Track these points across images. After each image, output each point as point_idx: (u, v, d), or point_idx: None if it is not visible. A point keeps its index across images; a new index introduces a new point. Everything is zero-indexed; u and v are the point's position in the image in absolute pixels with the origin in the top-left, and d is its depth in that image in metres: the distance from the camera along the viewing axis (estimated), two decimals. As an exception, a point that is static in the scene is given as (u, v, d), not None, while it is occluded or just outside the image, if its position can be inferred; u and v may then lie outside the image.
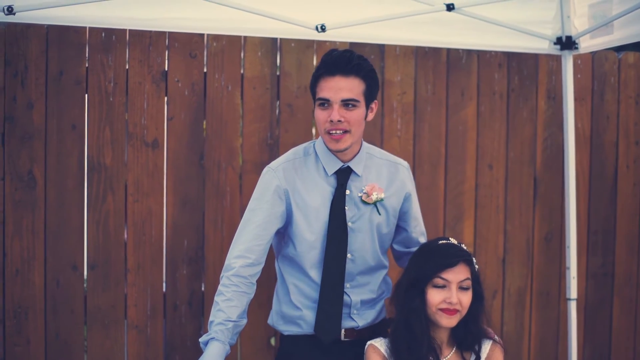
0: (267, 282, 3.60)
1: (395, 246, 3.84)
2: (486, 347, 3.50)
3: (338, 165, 3.55)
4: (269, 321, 3.75)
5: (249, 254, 3.46)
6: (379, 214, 3.61)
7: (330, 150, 3.53)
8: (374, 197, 3.57)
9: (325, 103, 3.43)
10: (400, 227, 3.79)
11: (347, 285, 3.60)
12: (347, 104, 3.42)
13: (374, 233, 3.63)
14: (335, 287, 3.56)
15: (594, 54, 5.07)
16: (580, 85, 5.04)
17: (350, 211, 3.56)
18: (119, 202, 4.18)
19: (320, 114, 3.45)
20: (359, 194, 3.57)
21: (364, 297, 3.65)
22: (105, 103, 4.13)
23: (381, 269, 3.71)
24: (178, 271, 4.29)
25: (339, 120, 3.41)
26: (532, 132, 4.97)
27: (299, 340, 3.63)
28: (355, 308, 3.62)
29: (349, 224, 3.56)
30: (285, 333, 3.66)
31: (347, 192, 3.56)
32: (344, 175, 3.56)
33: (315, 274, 3.57)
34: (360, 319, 3.64)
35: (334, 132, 3.43)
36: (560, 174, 4.99)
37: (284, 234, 3.60)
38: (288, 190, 3.52)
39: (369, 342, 3.45)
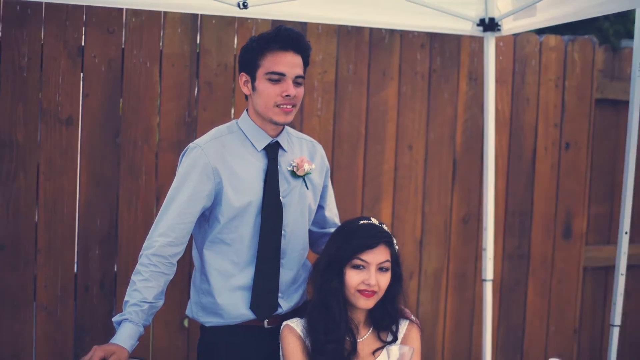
0: (182, 261, 3.69)
1: (311, 227, 3.94)
2: (403, 327, 3.63)
3: (267, 140, 3.66)
4: (188, 312, 3.82)
5: (170, 233, 3.53)
6: (307, 188, 3.75)
7: (264, 126, 3.65)
8: (305, 168, 3.71)
9: (279, 78, 3.55)
10: (319, 205, 3.92)
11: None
12: (298, 81, 3.60)
13: (305, 208, 3.76)
14: (271, 263, 3.67)
15: (516, 36, 5.29)
16: (502, 68, 5.26)
17: (281, 186, 3.68)
18: (31, 181, 4.22)
19: (271, 88, 3.56)
20: (289, 168, 3.70)
21: (291, 277, 3.76)
22: (18, 79, 4.15)
23: (306, 249, 3.83)
24: (90, 251, 4.36)
25: (294, 96, 3.57)
26: (453, 113, 5.17)
27: (221, 331, 3.71)
28: (281, 290, 3.71)
29: (281, 198, 3.67)
30: (207, 325, 3.73)
31: (278, 166, 3.68)
32: (273, 150, 3.68)
33: (247, 253, 3.65)
34: (285, 302, 3.73)
35: (285, 105, 3.57)
36: (479, 156, 5.21)
37: (209, 217, 3.66)
38: (217, 168, 3.58)
39: (285, 322, 3.53)
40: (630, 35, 10.77)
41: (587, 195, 5.62)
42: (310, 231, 3.93)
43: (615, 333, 4.37)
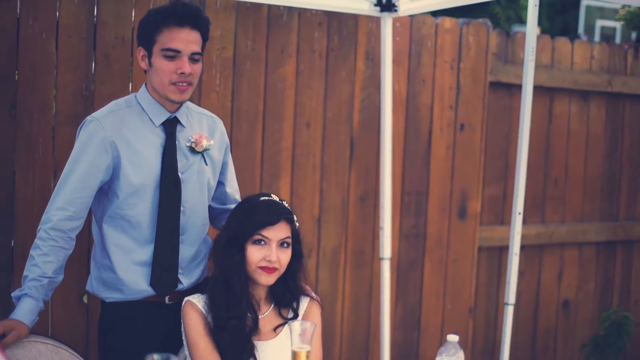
0: (80, 236, 3.68)
1: (212, 203, 3.97)
2: (304, 304, 3.67)
3: (165, 116, 3.66)
4: (88, 287, 3.79)
5: (68, 207, 3.51)
6: (206, 164, 3.76)
7: (162, 101, 3.64)
8: (204, 144, 3.71)
9: (175, 55, 3.54)
10: (219, 181, 3.94)
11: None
12: (195, 58, 3.58)
13: (204, 184, 3.77)
14: (171, 239, 3.67)
15: (412, 17, 5.42)
16: (399, 48, 5.38)
17: (179, 162, 3.67)
18: None
19: (166, 65, 3.54)
20: (187, 144, 3.69)
21: (191, 253, 3.77)
22: None
23: (206, 225, 3.84)
24: (-15, 225, 4.32)
25: (190, 73, 3.56)
26: (350, 92, 5.28)
27: (122, 306, 3.70)
28: (182, 267, 3.72)
29: (180, 174, 3.67)
30: (108, 300, 3.72)
31: (176, 142, 3.68)
32: (171, 126, 3.67)
33: (146, 230, 3.65)
34: (186, 278, 3.74)
35: (180, 83, 3.56)
36: (376, 135, 5.33)
37: (107, 191, 3.65)
38: (115, 142, 3.57)
39: (186, 298, 3.53)
40: (520, 20, 11.11)
41: (482, 176, 5.80)
42: (210, 207, 3.95)
43: (509, 311, 4.50)
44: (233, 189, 4.03)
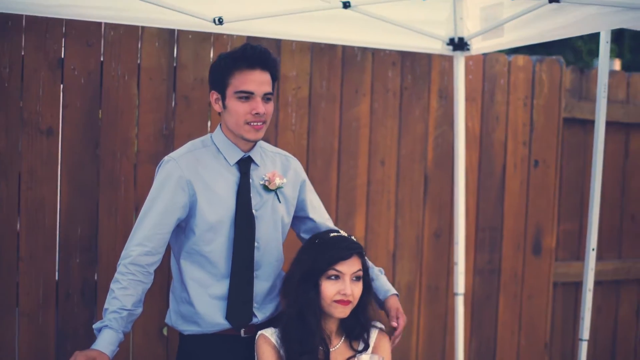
0: (160, 271, 3.80)
1: (305, 236, 4.06)
2: (373, 335, 3.75)
3: (239, 155, 3.78)
4: (167, 320, 3.92)
5: (147, 243, 3.63)
6: (279, 202, 3.87)
7: (236, 141, 3.76)
8: (277, 182, 3.82)
9: (248, 96, 3.66)
10: (304, 217, 4.04)
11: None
12: (267, 97, 3.71)
13: (278, 221, 3.86)
14: (245, 275, 3.77)
15: (485, 55, 5.47)
16: (472, 86, 5.44)
17: (253, 199, 3.78)
18: (12, 190, 4.34)
19: (240, 106, 3.67)
20: (261, 182, 3.81)
21: (266, 288, 3.86)
22: (0, 89, 4.29)
23: (280, 261, 3.93)
24: (71, 260, 4.48)
25: (264, 113, 3.69)
26: (424, 130, 5.34)
27: (199, 339, 3.81)
28: (256, 301, 3.82)
29: (254, 211, 3.77)
30: (186, 333, 3.83)
31: (250, 180, 3.79)
32: (245, 165, 3.79)
33: (222, 265, 3.76)
34: (260, 313, 3.83)
35: (255, 123, 3.69)
36: (450, 172, 5.37)
37: (185, 228, 3.77)
38: (191, 181, 3.69)
39: (259, 332, 3.63)
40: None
41: (556, 212, 5.79)
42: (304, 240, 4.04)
43: (584, 347, 4.49)
44: (323, 219, 4.11)
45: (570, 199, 5.93)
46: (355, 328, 3.71)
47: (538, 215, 5.71)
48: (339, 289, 3.56)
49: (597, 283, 5.83)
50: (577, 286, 5.93)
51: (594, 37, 10.24)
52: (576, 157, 5.93)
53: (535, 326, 5.77)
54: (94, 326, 3.58)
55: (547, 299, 5.78)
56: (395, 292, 4.01)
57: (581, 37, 10.13)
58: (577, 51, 9.85)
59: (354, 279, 3.60)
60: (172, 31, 4.63)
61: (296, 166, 4.03)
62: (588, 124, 5.90)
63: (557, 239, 5.86)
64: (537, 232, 5.72)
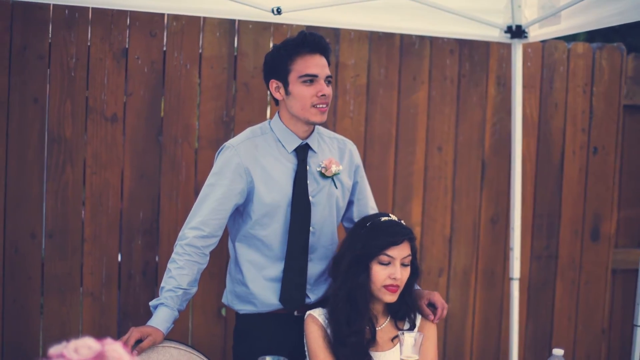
0: (219, 253, 3.91)
1: (346, 224, 4.19)
2: (419, 316, 3.84)
3: (297, 142, 3.91)
4: (224, 300, 4.07)
5: (204, 227, 3.78)
6: (336, 187, 3.98)
7: (295, 128, 3.89)
8: (333, 169, 3.94)
9: (312, 79, 3.79)
10: (352, 202, 4.15)
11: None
12: (329, 80, 3.85)
13: (333, 206, 3.98)
14: (300, 258, 3.90)
15: (544, 43, 5.50)
16: (530, 73, 5.47)
17: (310, 185, 3.90)
18: (78, 174, 4.54)
19: (305, 90, 3.79)
20: (318, 169, 3.93)
21: (320, 270, 3.98)
22: (67, 78, 4.48)
23: (335, 244, 4.04)
24: (133, 242, 4.66)
25: (328, 95, 3.82)
26: (482, 117, 5.39)
27: (254, 318, 3.95)
28: (310, 282, 3.94)
29: (310, 197, 3.90)
30: (241, 312, 3.98)
31: (307, 167, 3.91)
32: (303, 152, 3.91)
33: (277, 248, 3.89)
34: (313, 294, 3.96)
35: (321, 105, 3.82)
36: (507, 158, 5.41)
37: (242, 212, 3.90)
38: (249, 168, 3.82)
39: (308, 312, 3.74)
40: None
41: (616, 198, 5.79)
42: (347, 227, 4.18)
43: (639, 333, 4.51)
44: (368, 207, 4.20)
45: (631, 186, 5.92)
46: (401, 309, 3.80)
47: (597, 202, 5.72)
48: (390, 274, 3.64)
49: (657, 270, 5.83)
50: (637, 273, 5.92)
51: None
52: (637, 144, 5.92)
53: (593, 312, 5.79)
54: (150, 303, 3.74)
55: (605, 285, 5.80)
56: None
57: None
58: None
59: (403, 264, 3.68)
60: (232, 21, 4.75)
61: (352, 150, 4.13)
62: (650, 111, 5.88)
63: (617, 226, 5.87)
64: (596, 218, 5.74)
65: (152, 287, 4.71)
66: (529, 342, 5.63)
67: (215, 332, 4.85)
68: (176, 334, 3.71)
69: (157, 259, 4.72)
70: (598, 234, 5.75)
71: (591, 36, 7.92)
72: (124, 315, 4.68)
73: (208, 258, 3.83)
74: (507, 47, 5.36)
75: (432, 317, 3.84)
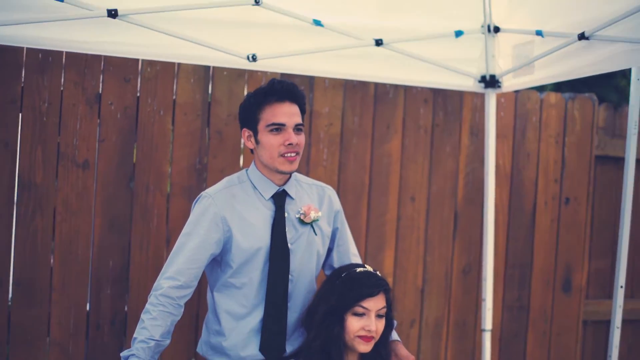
0: (189, 303, 3.88)
1: (327, 271, 4.12)
2: None
3: (274, 189, 3.89)
4: (198, 350, 4.01)
5: (179, 277, 3.73)
6: (315, 234, 3.95)
7: (271, 176, 3.87)
8: (312, 215, 3.91)
9: (280, 128, 3.77)
10: (332, 248, 4.12)
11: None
12: (298, 128, 3.82)
13: (312, 253, 3.95)
14: (279, 306, 3.86)
15: (517, 93, 5.55)
16: (503, 123, 5.51)
17: (289, 232, 3.88)
18: (47, 221, 4.48)
19: (273, 139, 3.78)
20: (297, 215, 3.90)
21: (298, 319, 3.93)
22: (38, 123, 4.44)
23: (312, 292, 3.98)
24: (102, 291, 4.60)
25: (296, 143, 3.79)
26: (455, 166, 5.42)
27: None
28: (288, 332, 3.90)
29: (289, 244, 3.87)
30: None
31: (285, 214, 3.88)
32: (280, 199, 3.89)
33: (256, 298, 3.85)
34: (290, 345, 3.91)
35: (289, 154, 3.79)
36: (480, 208, 5.43)
37: (220, 262, 3.87)
38: (226, 218, 3.80)
39: None
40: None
41: (587, 249, 5.82)
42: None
43: (612, 385, 4.54)
44: (349, 253, 4.17)
45: (602, 237, 5.97)
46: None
47: (568, 253, 5.75)
48: (364, 325, 3.63)
49: (629, 322, 5.85)
50: (608, 325, 5.93)
51: (639, 76, 10.21)
52: (609, 195, 5.97)
53: (564, 364, 5.81)
54: (121, 354, 3.67)
55: (576, 336, 5.81)
56: (398, 338, 4.03)
57: (625, 76, 10.15)
58: (620, 91, 9.87)
59: (379, 315, 3.66)
60: (207, 68, 4.75)
61: (332, 196, 4.11)
62: (621, 161, 5.91)
63: (588, 277, 5.89)
64: (567, 269, 5.77)
65: (121, 337, 4.64)
66: (500, 394, 5.62)
67: (184, 384, 4.79)
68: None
69: (126, 308, 4.66)
70: (569, 285, 5.77)
71: (558, 87, 8.00)
72: (92, 366, 4.60)
73: (182, 310, 3.78)
74: (481, 96, 5.39)
75: None
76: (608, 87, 9.48)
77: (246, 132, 3.88)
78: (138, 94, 4.64)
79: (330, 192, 4.12)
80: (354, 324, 3.63)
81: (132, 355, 3.63)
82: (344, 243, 4.18)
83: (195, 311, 4.68)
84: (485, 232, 5.22)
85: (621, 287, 4.46)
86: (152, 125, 4.66)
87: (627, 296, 5.71)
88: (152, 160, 4.67)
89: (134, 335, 3.68)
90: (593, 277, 5.97)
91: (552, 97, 5.70)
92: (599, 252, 5.96)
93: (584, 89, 8.40)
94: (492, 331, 5.33)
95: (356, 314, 3.64)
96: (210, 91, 4.78)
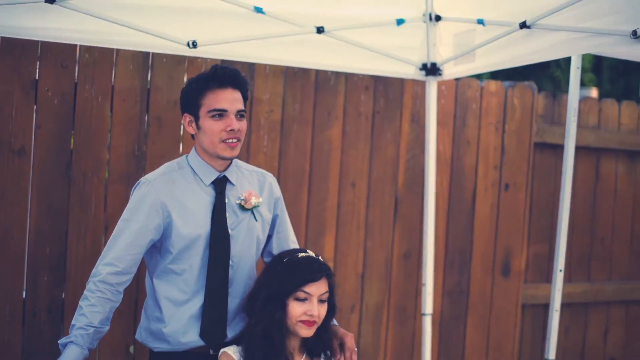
0: (128, 289, 3.87)
1: (266, 258, 4.14)
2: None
3: (214, 175, 3.88)
4: (137, 336, 4.00)
5: (118, 263, 3.72)
6: (256, 220, 3.95)
7: (211, 162, 3.86)
8: (253, 201, 3.91)
9: (222, 114, 3.76)
10: (272, 235, 4.13)
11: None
12: (240, 114, 3.81)
13: (253, 240, 3.95)
14: (219, 293, 3.86)
15: (458, 80, 5.58)
16: (444, 111, 5.55)
17: (229, 218, 3.87)
18: (-17, 209, 4.42)
19: (215, 125, 3.77)
20: (237, 201, 3.90)
21: (238, 305, 3.92)
22: (-27, 110, 4.37)
23: (253, 278, 3.99)
24: (39, 278, 4.54)
25: (238, 130, 3.79)
26: (395, 153, 5.44)
27: (169, 357, 3.89)
28: (228, 318, 3.89)
29: (229, 230, 3.87)
30: (155, 350, 3.91)
31: (226, 200, 3.88)
32: (221, 184, 3.88)
33: (196, 284, 3.84)
34: (231, 331, 3.90)
35: (230, 140, 3.79)
36: (420, 195, 5.47)
37: (160, 248, 3.85)
38: (165, 203, 3.78)
39: (222, 350, 3.71)
40: (582, 83, 11.14)
41: (526, 234, 5.90)
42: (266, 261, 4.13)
43: (550, 367, 4.62)
44: (289, 240, 4.20)
45: (540, 222, 6.05)
46: (318, 345, 3.80)
47: (508, 238, 5.83)
48: (306, 310, 3.63)
49: (566, 305, 5.95)
50: (546, 308, 6.03)
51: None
52: (547, 181, 6.05)
53: (503, 348, 5.88)
54: (59, 341, 3.65)
55: (515, 320, 5.90)
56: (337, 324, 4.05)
57: (559, 67, 10.29)
58: (555, 81, 10.02)
59: (321, 300, 3.68)
60: (146, 54, 4.71)
61: (272, 183, 4.11)
62: (559, 149, 5.98)
63: (526, 262, 5.98)
64: (507, 254, 5.84)
65: (58, 324, 4.60)
66: (439, 378, 5.69)
67: (123, 371, 4.78)
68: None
69: (63, 295, 4.62)
70: (508, 270, 5.85)
71: (494, 76, 8.08)
72: (28, 355, 4.55)
73: (121, 296, 3.77)
74: (422, 84, 5.42)
75: (338, 357, 3.84)
76: (543, 77, 9.62)
77: (187, 118, 3.87)
78: (76, 80, 4.58)
79: (271, 179, 4.13)
80: (296, 309, 3.64)
81: (71, 342, 3.62)
82: (283, 230, 4.19)
83: (134, 297, 4.65)
84: (425, 218, 5.26)
85: (560, 271, 4.53)
86: (90, 112, 4.61)
87: (565, 280, 5.79)
88: (90, 146, 4.62)
89: (72, 322, 3.66)
90: (531, 261, 6.06)
91: (492, 85, 5.75)
92: (537, 237, 6.05)
93: (519, 78, 8.50)
94: (432, 315, 5.38)
95: (298, 299, 3.64)
96: (149, 78, 4.74)
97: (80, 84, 4.58)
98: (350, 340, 3.91)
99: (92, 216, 4.63)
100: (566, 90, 4.70)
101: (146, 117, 4.75)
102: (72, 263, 4.61)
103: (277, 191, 4.14)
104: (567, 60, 4.66)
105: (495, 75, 5.90)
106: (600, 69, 11.46)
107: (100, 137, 4.65)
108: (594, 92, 7.37)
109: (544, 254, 6.08)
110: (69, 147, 4.59)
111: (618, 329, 6.43)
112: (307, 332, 3.67)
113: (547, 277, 6.12)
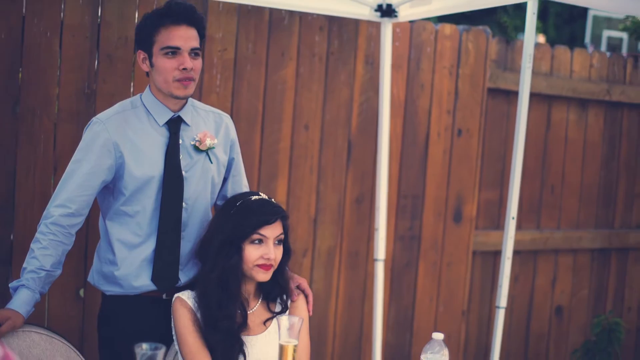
0: (79, 232, 3.79)
1: (220, 202, 4.06)
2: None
3: (169, 115, 3.79)
4: (89, 279, 3.93)
5: (70, 204, 3.64)
6: (211, 162, 3.88)
7: (165, 101, 3.77)
8: (207, 143, 3.83)
9: (175, 51, 3.67)
10: (227, 178, 4.06)
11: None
12: (195, 52, 3.71)
13: (207, 182, 3.88)
14: (172, 235, 3.79)
15: (412, 23, 5.54)
16: (398, 53, 5.51)
17: (183, 160, 3.79)
18: None
19: (168, 62, 3.67)
20: (192, 142, 3.82)
21: (191, 249, 3.86)
22: None
23: (207, 222, 3.90)
24: (-14, 218, 4.46)
25: (191, 68, 3.70)
26: (349, 95, 5.40)
27: (121, 300, 3.82)
28: (182, 263, 3.84)
29: (183, 172, 3.79)
30: (108, 293, 3.84)
31: (180, 141, 3.79)
32: (175, 125, 3.79)
33: (149, 226, 3.77)
34: (184, 275, 3.85)
35: (184, 79, 3.69)
36: (374, 138, 5.45)
37: (113, 189, 3.77)
38: (118, 143, 3.69)
39: (176, 295, 3.64)
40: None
41: (478, 181, 5.92)
42: (216, 205, 4.07)
43: (501, 315, 4.65)
44: (242, 185, 4.14)
45: (492, 169, 6.07)
46: (274, 290, 3.75)
47: (460, 184, 5.83)
48: (263, 253, 3.58)
49: (515, 252, 5.99)
50: (495, 255, 6.09)
51: (519, 14, 10.47)
52: (499, 127, 6.06)
53: (454, 294, 5.91)
54: (10, 285, 3.57)
55: (466, 267, 5.93)
56: None
57: (507, 13, 10.36)
58: (502, 27, 10.09)
59: (276, 242, 3.63)
60: (96, -12, 4.60)
61: (229, 124, 4.04)
62: (512, 95, 6.02)
63: (477, 208, 5.99)
64: (459, 200, 5.85)
65: (7, 266, 4.51)
66: (391, 323, 5.70)
67: (72, 314, 4.69)
68: (30, 316, 3.55)
69: (12, 237, 4.52)
70: (460, 216, 5.86)
71: (441, 20, 8.08)
72: (-24, 296, 4.47)
73: (74, 239, 3.71)
74: (377, 26, 5.38)
75: (295, 296, 3.81)
76: (491, 22, 9.67)
77: (141, 54, 3.77)
78: (23, 14, 4.45)
79: (228, 120, 4.05)
80: (252, 252, 3.58)
81: (22, 285, 3.54)
82: (238, 174, 4.13)
83: (84, 240, 4.57)
84: (379, 162, 5.25)
85: (513, 218, 4.54)
86: (38, 48, 4.48)
87: (515, 228, 5.84)
88: (39, 84, 4.50)
89: (24, 265, 3.59)
90: (482, 208, 6.07)
91: (447, 28, 5.72)
92: (489, 183, 6.07)
93: (467, 23, 8.51)
94: (385, 261, 5.38)
95: (254, 242, 3.59)
96: (100, 13, 4.62)
97: (27, 18, 4.45)
98: (305, 284, 3.89)
99: (41, 155, 4.53)
100: (513, 37, 4.68)
101: (97, 54, 4.63)
102: (20, 203, 4.51)
103: (234, 133, 4.06)
104: (515, 7, 4.65)
105: (444, 20, 5.87)
106: (546, 16, 11.56)
107: (50, 74, 4.53)
108: (541, 39, 7.40)
109: (494, 201, 6.11)
110: (17, 84, 4.46)
111: (566, 277, 6.49)
112: (264, 276, 3.62)
113: (497, 224, 6.15)
